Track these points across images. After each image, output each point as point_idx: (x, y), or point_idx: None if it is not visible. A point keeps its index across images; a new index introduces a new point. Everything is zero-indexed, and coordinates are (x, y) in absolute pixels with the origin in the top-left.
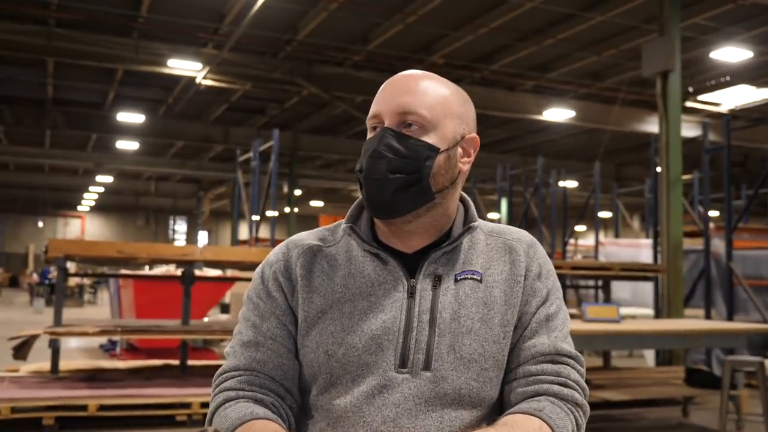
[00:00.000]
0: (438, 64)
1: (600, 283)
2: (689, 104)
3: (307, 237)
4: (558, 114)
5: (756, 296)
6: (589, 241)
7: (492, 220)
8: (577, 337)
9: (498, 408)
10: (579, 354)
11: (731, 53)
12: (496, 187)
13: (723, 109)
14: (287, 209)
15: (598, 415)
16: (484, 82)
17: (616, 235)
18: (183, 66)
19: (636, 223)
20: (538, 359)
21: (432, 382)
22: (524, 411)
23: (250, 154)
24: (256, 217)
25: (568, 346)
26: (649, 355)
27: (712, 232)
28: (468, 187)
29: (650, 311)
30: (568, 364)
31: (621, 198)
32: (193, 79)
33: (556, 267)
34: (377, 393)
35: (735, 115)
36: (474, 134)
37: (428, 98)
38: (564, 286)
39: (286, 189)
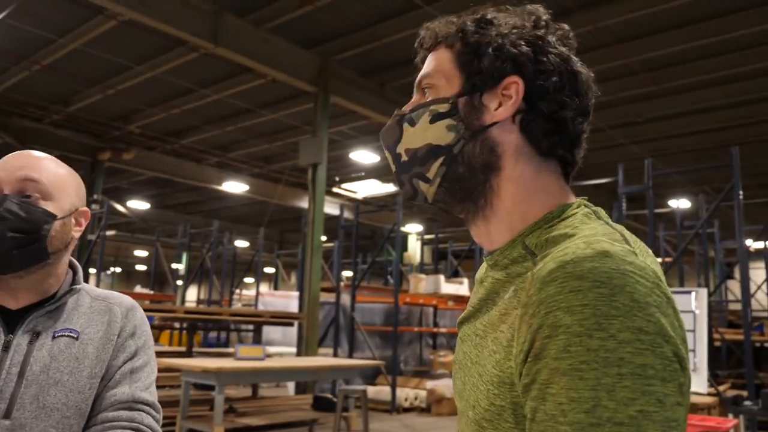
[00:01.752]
0: (134, 133)
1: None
2: (335, 189)
3: None
4: (235, 186)
5: (369, 338)
6: (252, 291)
7: (171, 271)
8: (229, 374)
9: None
10: (156, 402)
11: (365, 156)
12: (178, 241)
13: (359, 196)
14: None
15: None
16: (175, 153)
17: (276, 288)
18: None
19: (293, 279)
20: (116, 407)
21: (10, 430)
22: None
23: None
24: None
25: (148, 395)
26: (291, 385)
27: (343, 289)
28: (152, 239)
29: (295, 349)
30: (143, 411)
31: (281, 258)
32: None
33: (218, 313)
34: None
35: (366, 201)
36: (85, 207)
37: (48, 173)
38: (228, 329)
39: None
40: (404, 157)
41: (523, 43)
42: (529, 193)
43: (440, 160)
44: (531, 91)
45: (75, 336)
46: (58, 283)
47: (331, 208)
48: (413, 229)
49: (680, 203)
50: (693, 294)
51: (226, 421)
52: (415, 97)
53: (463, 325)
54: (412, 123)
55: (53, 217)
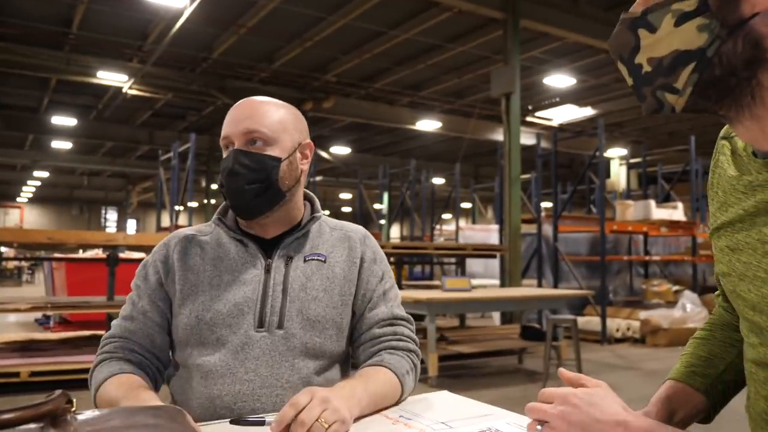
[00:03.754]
0: (331, 82)
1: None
2: (528, 119)
3: (187, 230)
4: (428, 125)
5: (575, 269)
6: (452, 226)
7: (374, 210)
8: (439, 304)
9: (338, 359)
10: (409, 316)
11: (559, 80)
12: (379, 183)
13: (554, 123)
14: (205, 201)
15: (454, 365)
16: (369, 97)
17: (473, 222)
18: (111, 77)
19: (489, 213)
20: (380, 324)
21: (284, 338)
22: (371, 364)
23: (171, 154)
24: (179, 208)
25: (401, 311)
26: (496, 316)
27: (543, 220)
28: (355, 182)
29: (497, 281)
30: (402, 325)
31: (477, 192)
32: (120, 88)
33: (424, 248)
34: (240, 349)
35: (562, 128)
36: (308, 140)
37: (267, 119)
38: (431, 263)
39: (204, 183)
40: (646, 68)
41: None
42: None
43: (691, 66)
44: None
45: (323, 260)
46: (300, 213)
47: (525, 138)
48: (616, 153)
49: None
50: None
51: (439, 349)
52: None
53: (723, 233)
54: (651, 28)
55: (278, 160)
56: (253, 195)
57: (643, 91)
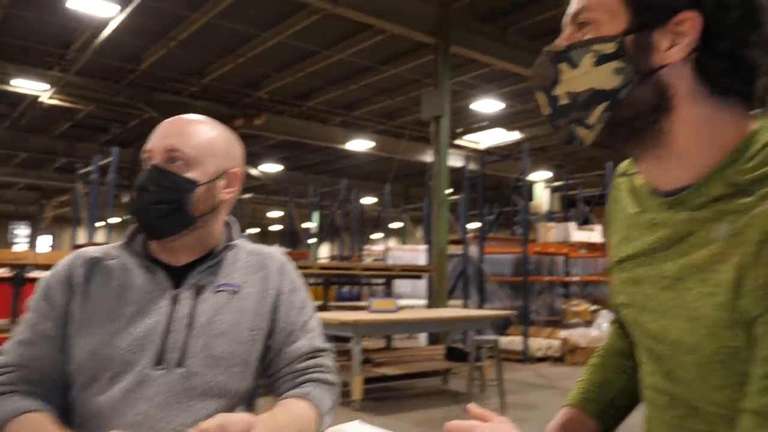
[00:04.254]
0: (263, 99)
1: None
2: (457, 142)
3: (93, 250)
4: (360, 144)
5: (499, 289)
6: (380, 246)
7: (303, 229)
8: (365, 326)
9: (243, 397)
10: (330, 345)
11: (487, 105)
12: (309, 201)
13: (482, 146)
14: (127, 217)
15: (379, 387)
16: (302, 115)
17: (404, 242)
18: (28, 86)
19: (419, 233)
20: (302, 358)
21: (183, 377)
22: (293, 396)
23: (91, 167)
24: (100, 223)
25: (322, 342)
26: (423, 336)
27: (470, 241)
28: (285, 200)
29: (425, 301)
30: (323, 356)
31: (408, 213)
32: (37, 97)
33: (351, 268)
34: (133, 389)
35: (489, 151)
36: (237, 169)
37: (194, 139)
38: (359, 284)
39: (126, 199)
40: (563, 101)
41: None
42: (711, 131)
43: (604, 105)
44: (708, 28)
45: (235, 290)
46: (216, 240)
47: (454, 160)
48: (540, 176)
49: None
50: None
51: (364, 371)
52: (568, 31)
53: (626, 266)
54: (573, 64)
55: (194, 184)
56: (157, 215)
57: (558, 122)
